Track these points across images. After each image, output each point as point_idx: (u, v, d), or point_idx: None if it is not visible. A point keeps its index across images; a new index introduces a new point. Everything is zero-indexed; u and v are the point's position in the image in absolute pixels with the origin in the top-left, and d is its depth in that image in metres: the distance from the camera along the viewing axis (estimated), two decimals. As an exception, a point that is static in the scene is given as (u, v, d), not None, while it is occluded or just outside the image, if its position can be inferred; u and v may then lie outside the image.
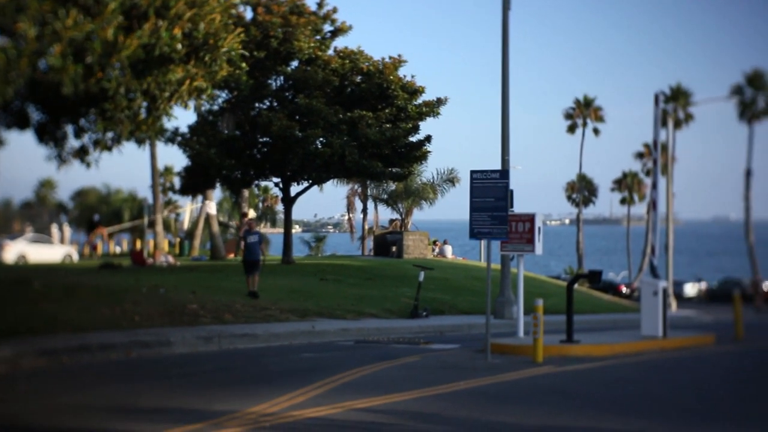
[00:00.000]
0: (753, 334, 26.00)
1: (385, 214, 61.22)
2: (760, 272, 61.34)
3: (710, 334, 23.71)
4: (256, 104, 35.74)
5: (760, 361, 18.73)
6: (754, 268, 66.79)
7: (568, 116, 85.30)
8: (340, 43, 36.66)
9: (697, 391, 13.96)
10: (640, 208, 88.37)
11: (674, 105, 76.51)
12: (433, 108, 35.29)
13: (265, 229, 75.17)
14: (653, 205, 23.97)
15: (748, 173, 76.34)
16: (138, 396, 12.05)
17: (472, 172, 17.84)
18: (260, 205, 77.99)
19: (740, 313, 24.58)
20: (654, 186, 24.24)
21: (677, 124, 76.48)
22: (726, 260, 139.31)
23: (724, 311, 39.00)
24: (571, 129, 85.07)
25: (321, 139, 33.90)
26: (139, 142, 16.12)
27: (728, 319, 29.53)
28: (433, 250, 51.37)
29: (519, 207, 22.77)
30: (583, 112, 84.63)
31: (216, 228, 47.34)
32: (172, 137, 34.70)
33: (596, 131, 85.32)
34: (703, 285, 67.36)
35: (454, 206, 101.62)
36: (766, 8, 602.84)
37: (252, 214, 65.21)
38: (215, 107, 35.74)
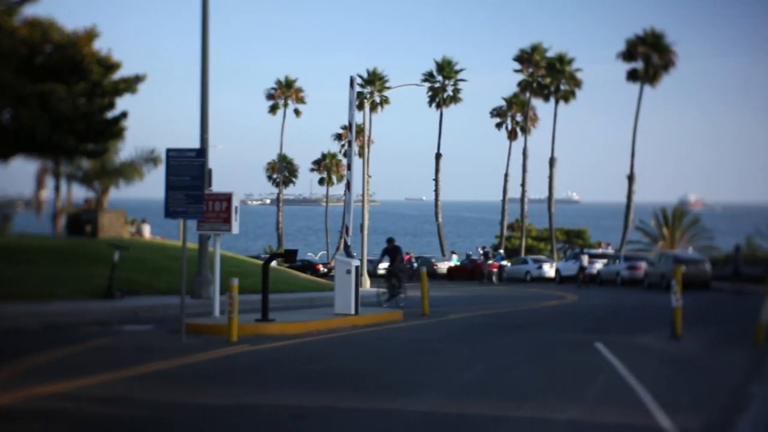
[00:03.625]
0: (439, 308, 27.54)
1: (81, 193, 58.92)
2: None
3: (399, 310, 24.87)
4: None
5: (439, 333, 19.86)
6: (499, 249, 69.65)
7: (270, 96, 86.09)
8: (29, 11, 34.69)
9: (382, 364, 14.58)
10: (339, 189, 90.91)
11: (371, 89, 79.25)
12: (130, 84, 34.31)
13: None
14: (348, 186, 24.73)
15: (438, 156, 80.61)
16: None
17: (168, 150, 17.69)
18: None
19: (426, 290, 25.91)
20: (349, 167, 25.03)
21: (374, 107, 79.29)
22: (419, 239, 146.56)
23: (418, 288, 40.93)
24: (273, 109, 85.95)
25: (8, 111, 31.99)
26: None
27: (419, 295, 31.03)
28: (131, 229, 50.13)
29: (219, 186, 22.80)
30: (285, 93, 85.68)
31: None
32: None
33: (297, 112, 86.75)
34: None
35: (156, 184, 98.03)
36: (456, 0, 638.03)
37: None
38: None
